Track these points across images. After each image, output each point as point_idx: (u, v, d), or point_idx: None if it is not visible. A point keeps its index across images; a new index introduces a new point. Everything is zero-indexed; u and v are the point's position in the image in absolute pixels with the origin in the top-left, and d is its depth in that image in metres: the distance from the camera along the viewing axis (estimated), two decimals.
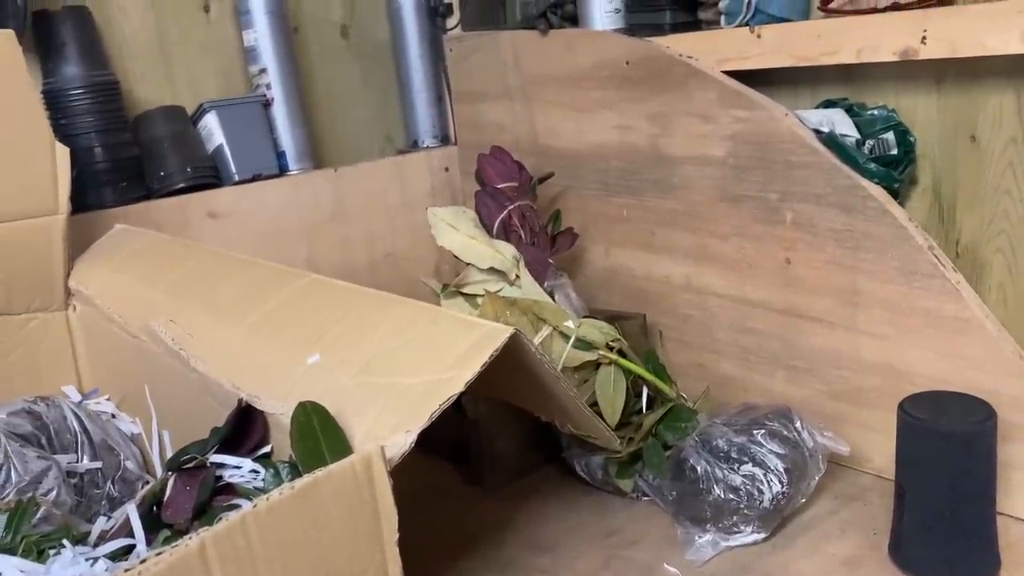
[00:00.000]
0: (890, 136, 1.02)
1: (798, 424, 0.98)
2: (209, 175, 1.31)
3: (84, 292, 1.03)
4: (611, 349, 0.92)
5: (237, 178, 1.34)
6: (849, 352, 1.07)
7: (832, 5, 1.07)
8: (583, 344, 0.90)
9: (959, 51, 0.92)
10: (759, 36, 1.10)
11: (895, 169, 1.01)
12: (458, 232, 0.97)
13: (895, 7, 1.00)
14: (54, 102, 1.20)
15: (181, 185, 1.28)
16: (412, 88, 1.58)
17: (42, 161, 0.98)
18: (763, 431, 0.97)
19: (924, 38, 0.94)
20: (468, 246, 0.96)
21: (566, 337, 0.89)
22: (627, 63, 1.23)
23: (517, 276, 0.96)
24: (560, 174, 1.36)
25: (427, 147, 1.60)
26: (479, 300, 0.93)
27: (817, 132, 1.06)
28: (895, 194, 1.00)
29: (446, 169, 1.58)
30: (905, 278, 0.99)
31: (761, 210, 1.12)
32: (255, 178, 1.35)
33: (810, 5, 1.11)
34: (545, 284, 1.09)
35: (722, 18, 1.15)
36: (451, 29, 1.53)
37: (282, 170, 1.41)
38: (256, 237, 1.35)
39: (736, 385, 1.20)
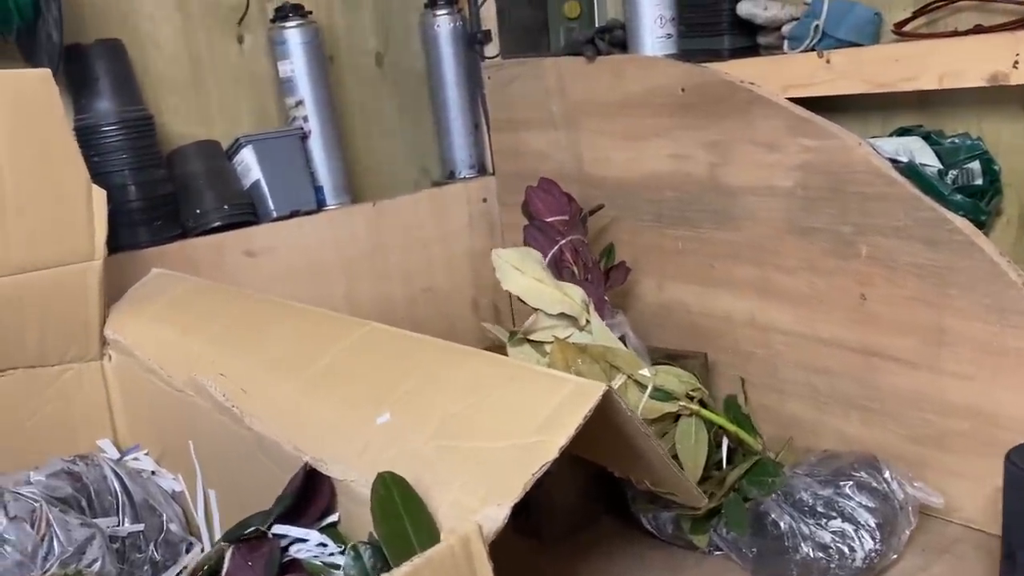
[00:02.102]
0: (975, 165, 0.96)
1: (887, 474, 0.92)
2: (246, 212, 1.26)
3: (121, 341, 0.97)
4: (691, 399, 0.86)
5: (275, 215, 1.28)
6: (933, 394, 1.00)
7: (907, 28, 1.01)
8: (661, 394, 0.84)
9: None
10: (828, 61, 1.04)
11: (980, 200, 0.95)
12: (524, 275, 0.91)
13: (978, 30, 0.94)
14: (87, 139, 1.15)
15: (217, 223, 1.23)
16: (448, 117, 1.53)
17: (78, 205, 0.92)
18: (851, 483, 0.91)
19: (1016, 62, 0.88)
20: (535, 290, 0.90)
21: (641, 386, 0.83)
22: (682, 90, 1.18)
23: (587, 321, 0.90)
24: (609, 205, 1.30)
25: (464, 177, 1.54)
26: (547, 347, 0.88)
27: (894, 162, 1.00)
28: (980, 226, 0.94)
29: (484, 200, 1.53)
30: (997, 316, 0.93)
31: (833, 243, 1.06)
32: (293, 214, 1.30)
33: (881, 30, 1.05)
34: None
35: (785, 43, 1.09)
36: (490, 56, 1.48)
37: (320, 205, 1.36)
38: (293, 275, 1.29)
39: (805, 427, 1.14)
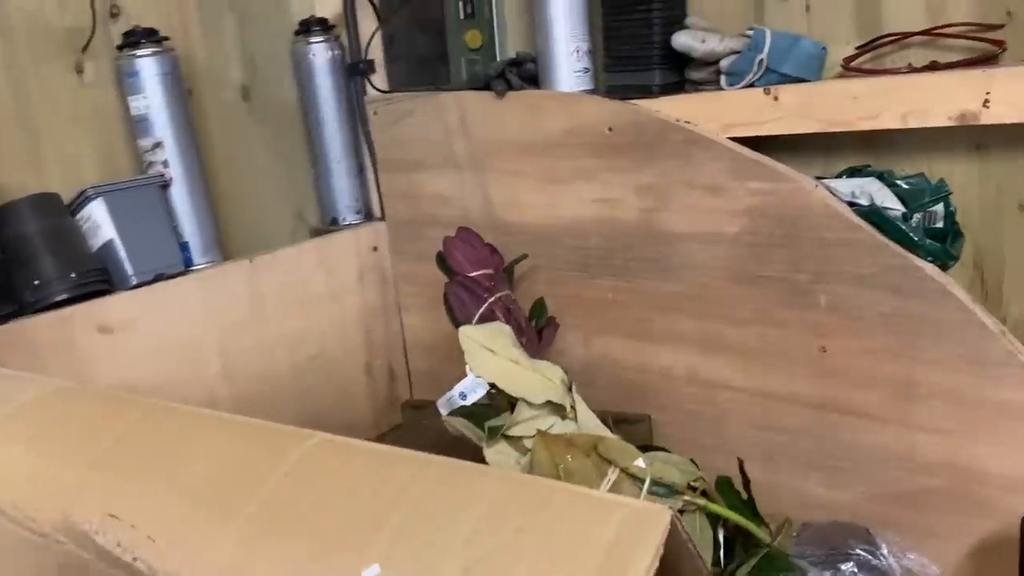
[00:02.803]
0: (939, 208, 0.91)
1: (884, 550, 0.84)
2: (98, 280, 1.03)
3: None
4: (694, 490, 0.74)
5: (134, 281, 1.06)
6: (902, 450, 0.95)
7: (854, 64, 0.96)
8: (660, 488, 0.72)
9: None
10: (776, 99, 0.97)
11: (942, 243, 0.90)
12: (497, 356, 0.76)
13: (937, 66, 0.90)
14: None
15: (63, 296, 0.99)
16: (328, 157, 1.35)
17: None
18: (851, 564, 0.82)
19: (987, 101, 0.84)
20: (512, 374, 0.75)
21: (637, 479, 0.71)
22: (610, 129, 1.07)
23: (572, 406, 0.77)
24: (525, 252, 1.18)
25: (349, 224, 1.37)
26: (527, 443, 0.73)
27: (852, 205, 0.94)
28: (944, 270, 0.89)
29: (375, 249, 1.36)
30: (972, 367, 0.88)
31: (787, 293, 0.99)
32: (156, 279, 1.08)
33: (825, 65, 1.00)
34: None
35: (723, 78, 1.02)
36: (377, 89, 1.32)
37: (187, 265, 1.14)
38: (159, 353, 1.07)
39: (760, 489, 1.05)
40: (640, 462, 0.71)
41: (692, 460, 0.80)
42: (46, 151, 1.08)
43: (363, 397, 1.35)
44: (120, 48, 1.11)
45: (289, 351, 1.24)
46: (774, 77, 0.98)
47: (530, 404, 0.74)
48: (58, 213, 1.04)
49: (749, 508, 0.79)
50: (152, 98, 1.11)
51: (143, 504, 0.62)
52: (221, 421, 0.68)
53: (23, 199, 1.01)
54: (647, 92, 1.07)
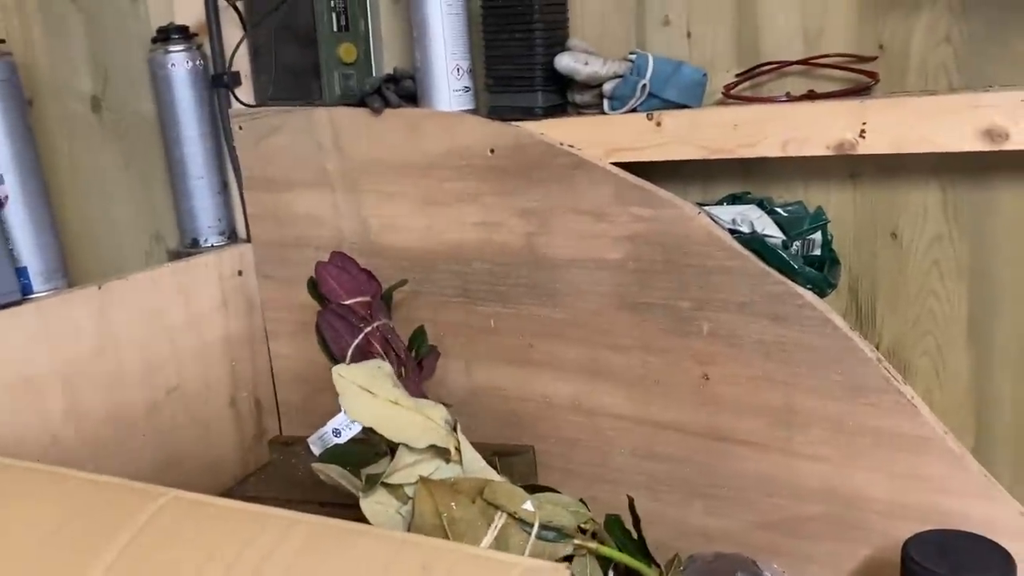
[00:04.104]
0: (817, 236, 0.92)
1: None
2: None
3: None
4: (583, 532, 0.71)
5: None
6: (784, 477, 0.95)
7: (734, 92, 0.96)
8: (550, 532, 0.68)
9: (904, 147, 0.84)
10: (659, 124, 0.96)
11: (820, 271, 0.91)
12: (376, 398, 0.70)
13: (814, 96, 0.91)
14: None
15: None
16: (188, 174, 1.26)
17: None
18: None
19: (863, 131, 0.86)
20: (393, 418, 0.69)
21: (526, 524, 0.66)
22: (492, 151, 1.04)
23: (456, 448, 0.72)
24: (402, 277, 1.12)
25: (211, 246, 1.28)
26: (407, 490, 0.68)
27: (733, 232, 0.94)
28: (821, 297, 0.90)
29: (240, 273, 1.27)
30: (850, 394, 0.89)
31: (670, 320, 0.97)
32: None
33: (706, 91, 0.99)
34: None
35: (606, 102, 1.00)
36: (242, 103, 1.23)
37: (25, 293, 1.03)
38: None
39: (643, 518, 1.03)
40: (528, 505, 0.67)
41: (582, 500, 0.76)
42: None
43: (228, 434, 1.26)
44: None
45: (144, 386, 1.13)
46: (656, 102, 0.97)
47: (411, 448, 0.69)
48: None
49: (639, 548, 0.77)
50: None
51: None
52: (50, 476, 0.59)
53: None
54: (530, 114, 1.04)
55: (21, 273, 1.03)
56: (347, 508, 0.75)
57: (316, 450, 0.88)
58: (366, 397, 0.70)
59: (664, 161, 0.99)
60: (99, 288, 1.08)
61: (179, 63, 1.22)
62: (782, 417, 0.93)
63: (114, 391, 1.10)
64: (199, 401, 1.21)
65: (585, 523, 0.72)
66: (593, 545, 0.71)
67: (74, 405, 1.04)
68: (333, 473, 0.71)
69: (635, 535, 0.78)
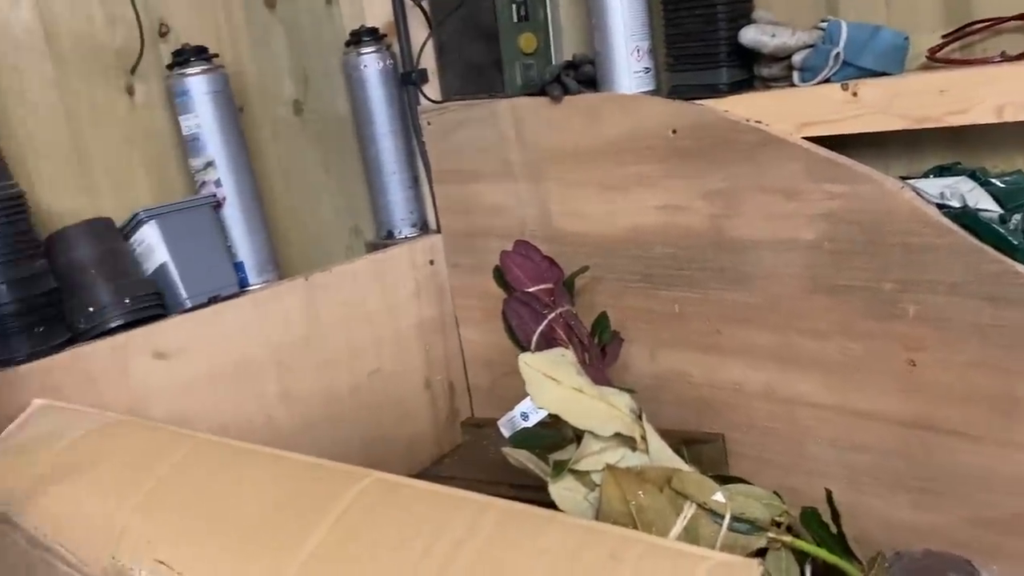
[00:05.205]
0: None
1: None
2: (152, 304, 1.01)
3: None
4: (778, 526, 0.69)
5: (189, 304, 1.04)
6: (1003, 470, 0.87)
7: (940, 54, 0.88)
8: (742, 524, 0.66)
9: None
10: (855, 94, 0.90)
11: None
12: (560, 385, 0.72)
13: None
14: None
15: (117, 322, 0.98)
16: (383, 170, 1.32)
17: None
18: None
19: None
20: (577, 405, 0.70)
21: (716, 515, 0.65)
22: (673, 132, 1.02)
23: (642, 437, 0.72)
24: (585, 263, 1.13)
25: (405, 237, 1.34)
26: (594, 477, 0.68)
27: (941, 207, 0.86)
28: None
29: (431, 262, 1.33)
30: None
31: (871, 303, 0.92)
32: (212, 301, 1.06)
33: (907, 56, 0.92)
34: None
35: (796, 74, 0.95)
36: (430, 99, 1.28)
37: (242, 286, 1.12)
38: (216, 376, 1.05)
39: (842, 512, 0.98)
40: (719, 496, 0.65)
41: (776, 493, 0.74)
42: (98, 175, 1.07)
43: (424, 415, 1.32)
44: (170, 67, 1.10)
45: (348, 369, 1.21)
46: (851, 71, 0.91)
47: (597, 436, 0.69)
48: (111, 238, 1.03)
49: (839, 543, 0.73)
50: (203, 117, 1.09)
51: (191, 550, 0.60)
52: (270, 458, 0.64)
53: (76, 225, 1.00)
54: (714, 91, 1.01)
55: (238, 267, 1.12)
56: (536, 491, 0.77)
57: (506, 432, 0.90)
58: (550, 384, 0.71)
59: (861, 134, 0.93)
60: (306, 279, 1.16)
61: (371, 63, 1.28)
62: (1000, 406, 0.85)
63: (322, 374, 1.18)
64: (397, 383, 1.28)
65: (780, 516, 0.70)
66: (788, 539, 0.68)
67: (287, 388, 1.13)
68: (522, 457, 0.73)
69: (834, 529, 0.74)
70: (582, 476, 0.69)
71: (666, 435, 0.97)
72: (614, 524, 0.60)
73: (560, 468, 0.69)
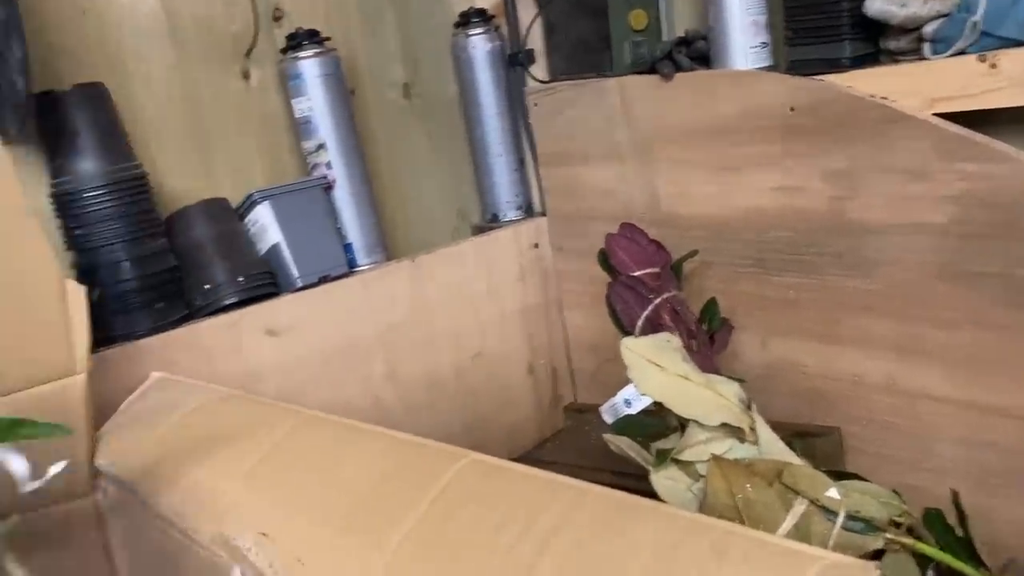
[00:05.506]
0: None
1: None
2: (266, 283, 1.04)
3: (119, 475, 0.75)
4: (897, 526, 0.64)
5: (300, 283, 1.06)
6: None
7: None
8: (858, 523, 0.62)
9: None
10: (994, 66, 0.84)
11: None
12: (664, 372, 0.69)
13: None
14: (67, 207, 0.93)
15: (232, 299, 1.01)
16: (489, 152, 1.32)
17: (49, 308, 0.71)
18: None
19: None
20: (682, 393, 0.68)
21: (829, 513, 0.62)
22: (792, 109, 0.97)
23: (751, 428, 0.69)
24: (694, 247, 1.09)
25: (510, 220, 1.33)
26: (699, 468, 0.66)
27: None
28: None
29: (535, 246, 1.32)
30: None
31: (1007, 291, 0.85)
32: (322, 281, 1.08)
33: None
34: None
35: (926, 46, 0.89)
36: (538, 79, 1.26)
37: (351, 267, 1.14)
38: (325, 354, 1.07)
39: (970, 515, 0.92)
40: (833, 492, 0.61)
41: (895, 491, 0.69)
42: (216, 156, 1.11)
43: (526, 399, 1.31)
44: (283, 51, 1.12)
45: (452, 350, 1.22)
46: (991, 42, 0.85)
47: (703, 426, 0.67)
48: (227, 218, 1.06)
49: (965, 548, 0.68)
50: (315, 100, 1.11)
51: (293, 523, 0.60)
52: (371, 435, 0.65)
53: (195, 205, 1.04)
54: (836, 66, 0.95)
55: (347, 248, 1.14)
56: (638, 479, 0.75)
57: (608, 419, 0.88)
58: (654, 370, 0.69)
59: (1000, 110, 0.86)
60: (412, 261, 1.17)
61: (479, 45, 1.28)
62: None
63: (427, 356, 1.18)
64: (500, 367, 1.27)
65: (899, 516, 0.65)
66: (909, 541, 0.64)
67: (393, 369, 1.14)
68: (623, 445, 0.71)
69: (960, 532, 0.69)
70: (686, 466, 0.66)
71: (777, 427, 0.93)
72: (719, 518, 0.58)
73: (663, 457, 0.66)
